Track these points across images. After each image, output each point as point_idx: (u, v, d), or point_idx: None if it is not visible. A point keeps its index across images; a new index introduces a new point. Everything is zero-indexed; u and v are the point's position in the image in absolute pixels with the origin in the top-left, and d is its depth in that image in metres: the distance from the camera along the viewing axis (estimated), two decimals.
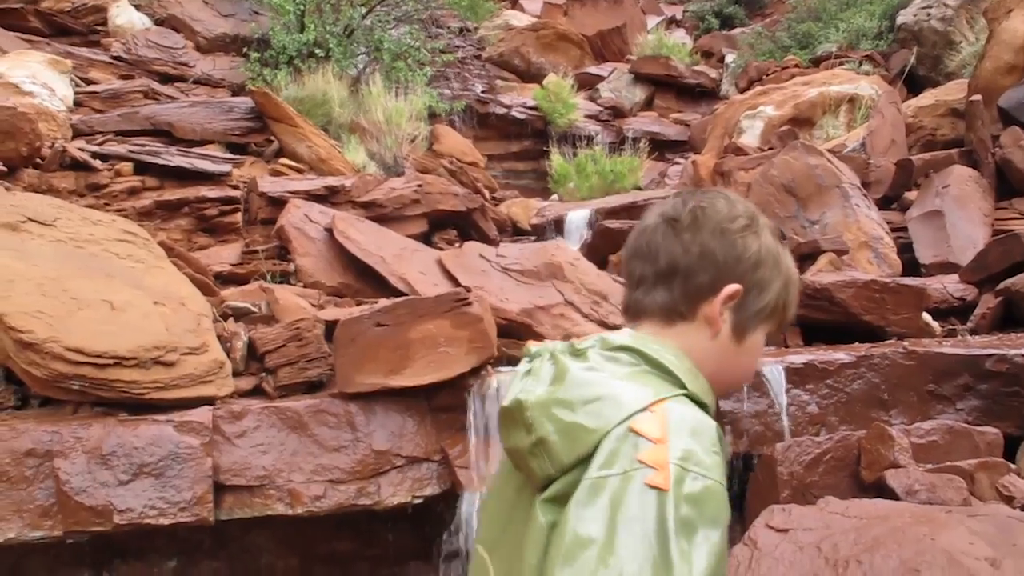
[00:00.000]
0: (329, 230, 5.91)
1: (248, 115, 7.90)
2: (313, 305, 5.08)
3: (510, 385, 1.19)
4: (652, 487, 0.98)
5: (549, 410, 1.08)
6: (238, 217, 6.47)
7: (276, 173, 7.19)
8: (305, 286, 5.59)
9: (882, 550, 2.84)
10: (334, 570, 4.55)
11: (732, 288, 1.18)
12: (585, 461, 1.04)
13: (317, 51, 9.17)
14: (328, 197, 6.60)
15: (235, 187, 6.65)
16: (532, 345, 1.24)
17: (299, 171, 7.35)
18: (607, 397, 1.07)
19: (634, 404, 1.05)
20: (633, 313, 1.26)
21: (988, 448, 3.80)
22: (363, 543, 4.60)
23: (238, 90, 9.10)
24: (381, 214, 6.58)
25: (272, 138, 7.81)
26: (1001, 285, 5.02)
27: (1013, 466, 3.59)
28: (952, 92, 8.44)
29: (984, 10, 8.33)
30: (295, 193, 6.46)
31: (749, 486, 4.35)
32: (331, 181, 6.81)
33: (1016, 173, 6.76)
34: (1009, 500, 3.29)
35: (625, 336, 1.17)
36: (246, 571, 4.47)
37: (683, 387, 1.12)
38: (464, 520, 4.13)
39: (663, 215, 1.23)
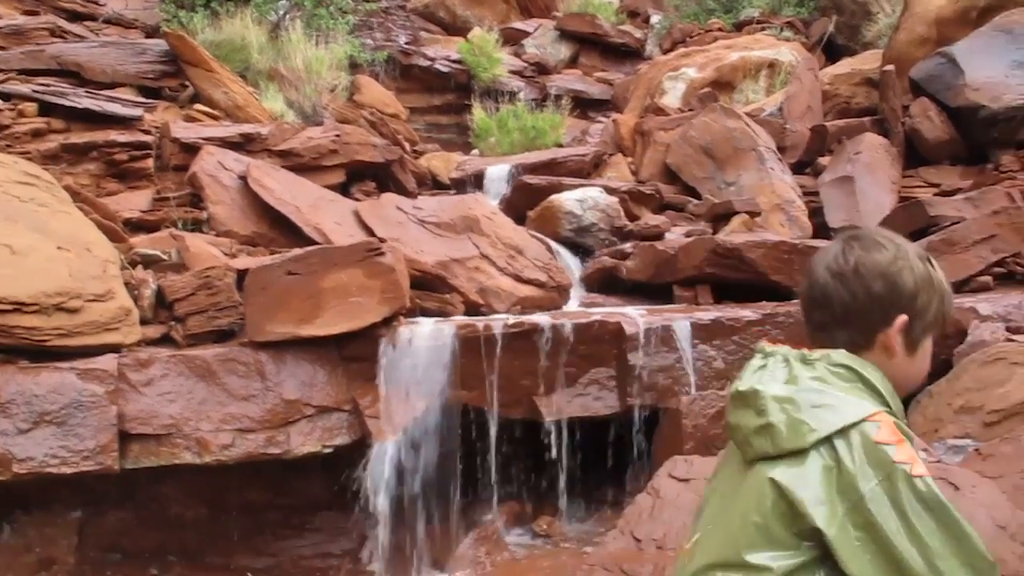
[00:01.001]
0: (244, 178, 5.79)
1: (162, 58, 7.63)
2: (225, 254, 4.99)
3: (743, 374, 1.44)
4: (917, 476, 1.26)
5: (783, 404, 1.34)
6: (149, 163, 6.28)
7: (190, 119, 6.99)
8: (218, 235, 5.48)
9: None
10: (245, 520, 4.54)
11: (902, 320, 1.42)
12: (797, 454, 1.30)
13: None
14: (244, 145, 6.45)
15: (147, 132, 6.45)
16: (766, 345, 1.48)
17: (215, 117, 7.16)
18: (830, 406, 1.32)
19: (851, 416, 1.30)
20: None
21: None
22: (274, 493, 4.59)
23: (152, 32, 8.78)
24: (298, 163, 6.45)
25: (187, 83, 7.57)
26: None
27: None
28: (868, 62, 8.63)
29: None
30: (209, 140, 6.30)
31: (655, 438, 4.46)
32: (247, 128, 6.66)
33: (923, 142, 7.00)
34: None
35: (844, 356, 1.40)
36: (154, 521, 4.43)
37: (886, 404, 1.37)
38: (374, 469, 4.15)
39: (830, 270, 1.45)
